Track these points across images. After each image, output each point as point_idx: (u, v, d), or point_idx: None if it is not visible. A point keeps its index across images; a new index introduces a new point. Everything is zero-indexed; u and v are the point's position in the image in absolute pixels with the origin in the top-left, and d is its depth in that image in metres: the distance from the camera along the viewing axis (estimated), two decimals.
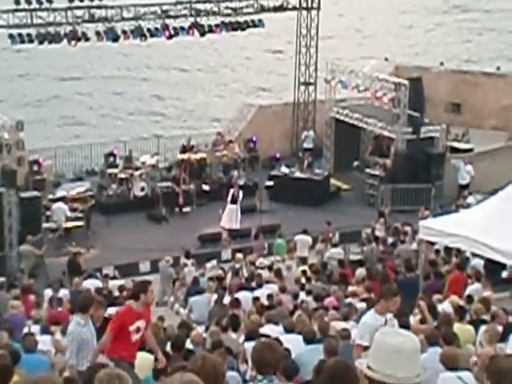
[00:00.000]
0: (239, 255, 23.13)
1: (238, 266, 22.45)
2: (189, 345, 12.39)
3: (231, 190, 27.72)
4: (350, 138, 32.13)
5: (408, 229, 24.47)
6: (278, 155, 33.36)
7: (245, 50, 58.00)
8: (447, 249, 20.37)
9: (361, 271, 20.40)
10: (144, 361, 11.42)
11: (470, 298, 15.42)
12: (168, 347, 12.04)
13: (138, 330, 10.91)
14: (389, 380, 3.68)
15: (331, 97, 32.45)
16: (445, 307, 14.67)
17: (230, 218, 27.39)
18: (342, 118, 31.85)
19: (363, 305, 16.48)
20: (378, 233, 24.83)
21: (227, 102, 47.84)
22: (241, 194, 27.65)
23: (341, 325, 13.90)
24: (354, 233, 26.60)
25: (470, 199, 27.11)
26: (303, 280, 20.00)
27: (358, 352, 9.77)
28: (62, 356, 12.75)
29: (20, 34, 28.32)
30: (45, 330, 15.02)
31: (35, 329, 15.22)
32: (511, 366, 4.69)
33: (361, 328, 10.28)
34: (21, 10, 28.06)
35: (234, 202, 27.46)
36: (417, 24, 65.55)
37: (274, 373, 6.54)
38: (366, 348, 9.63)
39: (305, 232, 24.68)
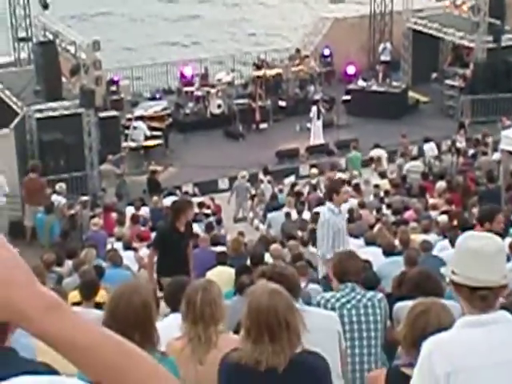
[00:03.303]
0: (314, 170, 23.18)
1: (314, 181, 22.44)
2: (269, 259, 12.45)
3: (314, 106, 27.44)
4: (428, 48, 31.45)
5: (489, 140, 24.03)
6: (354, 69, 32.84)
7: None
8: None
9: (441, 184, 20.16)
10: (223, 275, 11.52)
11: None
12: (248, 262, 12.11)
13: None
14: (472, 283, 3.61)
15: (408, 7, 31.65)
16: None
17: (318, 133, 27.33)
18: (419, 28, 31.11)
19: (444, 217, 16.31)
20: (458, 144, 24.43)
21: (302, 14, 47.25)
22: (323, 109, 27.62)
23: (421, 237, 13.79)
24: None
25: None
26: (382, 194, 19.90)
27: None
28: (145, 271, 12.96)
29: None
30: (128, 247, 15.29)
31: (118, 245, 15.51)
32: None
33: None
34: None
35: (318, 117, 27.37)
36: None
37: (355, 281, 6.53)
38: None
39: (377, 146, 24.54)
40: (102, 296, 8.99)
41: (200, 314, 5.12)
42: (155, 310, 4.84)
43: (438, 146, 25.41)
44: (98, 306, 8.59)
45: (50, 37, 25.24)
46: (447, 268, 3.73)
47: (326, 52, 32.64)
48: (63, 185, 21.01)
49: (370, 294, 6.59)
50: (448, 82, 29.93)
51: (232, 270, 11.46)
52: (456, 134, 25.20)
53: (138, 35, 46.40)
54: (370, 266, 10.70)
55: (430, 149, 24.71)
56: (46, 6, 25.60)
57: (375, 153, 24.11)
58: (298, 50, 32.09)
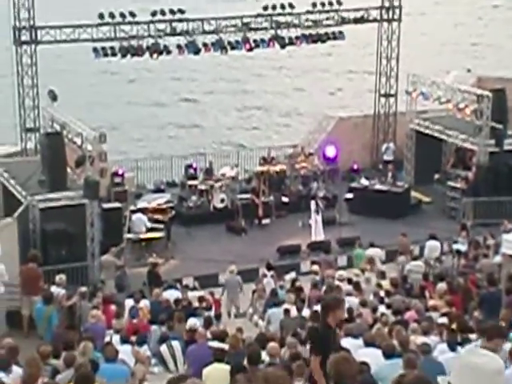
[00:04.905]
0: (315, 267, 23.11)
1: (317, 278, 22.35)
2: (266, 357, 12.34)
3: (313, 202, 27.64)
4: (431, 150, 31.76)
5: (491, 242, 24.01)
6: (357, 167, 33.11)
7: (326, 61, 57.98)
8: None
9: (442, 285, 20.06)
10: (219, 372, 11.41)
11: None
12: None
13: None
14: None
15: (412, 108, 32.14)
16: None
17: (318, 229, 27.41)
18: (422, 129, 31.52)
19: (444, 320, 16.20)
20: (460, 246, 24.39)
21: (307, 115, 47.85)
22: (321, 204, 27.75)
23: (421, 339, 13.68)
24: None
25: None
26: (382, 293, 19.80)
27: None
28: (142, 366, 12.85)
29: (103, 48, 28.86)
30: (125, 340, 15.17)
31: (116, 338, 15.39)
32: None
33: None
34: (104, 24, 28.61)
35: (317, 212, 27.51)
36: (501, 35, 64.61)
37: None
38: None
39: (372, 245, 24.60)
40: None
41: None
42: None
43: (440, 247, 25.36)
44: None
45: (58, 128, 25.59)
46: (444, 379, 3.70)
47: (330, 150, 32.88)
48: (63, 276, 20.94)
49: None
50: (450, 183, 30.15)
51: (228, 368, 11.36)
52: (458, 236, 25.18)
53: (145, 129, 47.03)
54: (368, 369, 10.61)
55: (432, 246, 24.54)
56: (55, 99, 26.03)
57: (370, 252, 24.13)
58: (296, 146, 32.45)
